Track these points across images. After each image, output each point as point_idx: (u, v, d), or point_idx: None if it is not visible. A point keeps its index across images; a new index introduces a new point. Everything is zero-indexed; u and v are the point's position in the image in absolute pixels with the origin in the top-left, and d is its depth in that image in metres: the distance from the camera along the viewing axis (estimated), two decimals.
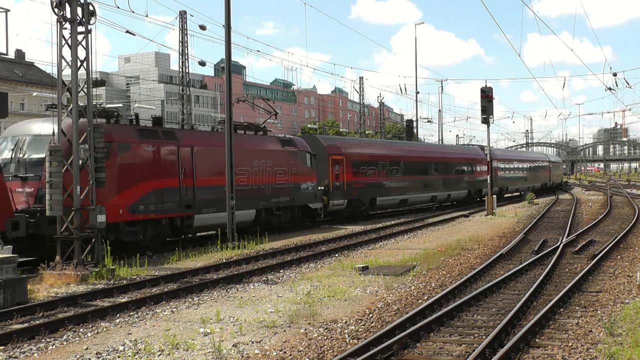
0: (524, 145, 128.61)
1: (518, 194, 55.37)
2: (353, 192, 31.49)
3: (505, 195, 52.43)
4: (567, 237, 20.97)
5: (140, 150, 19.85)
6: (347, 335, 9.55)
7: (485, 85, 33.99)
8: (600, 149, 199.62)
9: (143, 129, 20.65)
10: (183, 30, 44.86)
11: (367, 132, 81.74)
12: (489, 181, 35.96)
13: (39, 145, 17.67)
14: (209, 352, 8.81)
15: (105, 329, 10.34)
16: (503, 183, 50.77)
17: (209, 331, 9.94)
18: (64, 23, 15.63)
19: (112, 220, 17.93)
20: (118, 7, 60.73)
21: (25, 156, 17.89)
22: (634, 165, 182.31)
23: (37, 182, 17.31)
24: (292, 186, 26.76)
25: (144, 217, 19.63)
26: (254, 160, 24.78)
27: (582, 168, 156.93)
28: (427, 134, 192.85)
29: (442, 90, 76.85)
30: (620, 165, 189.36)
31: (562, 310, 10.80)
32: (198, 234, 23.54)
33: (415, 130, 66.97)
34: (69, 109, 15.90)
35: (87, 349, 9.19)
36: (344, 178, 30.75)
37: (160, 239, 20.94)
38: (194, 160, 21.67)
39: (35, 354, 9.03)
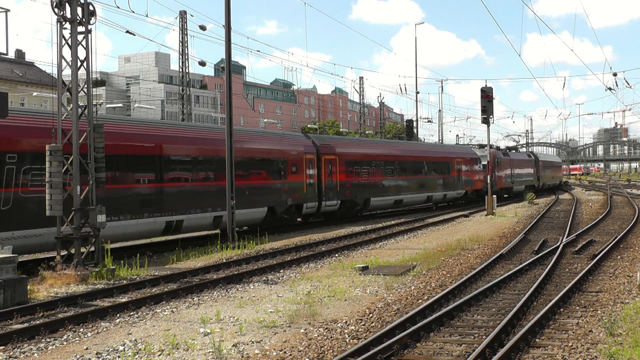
0: (524, 145, 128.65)
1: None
2: (544, 181, 64.15)
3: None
4: (567, 237, 20.97)
5: (505, 160, 49.95)
6: (347, 335, 9.55)
7: (485, 85, 33.99)
8: (600, 149, 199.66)
9: (503, 151, 51.60)
10: (183, 30, 44.85)
11: (367, 132, 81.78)
12: (488, 181, 36.00)
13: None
14: (209, 352, 8.81)
15: (105, 329, 10.34)
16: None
17: (209, 331, 9.94)
18: (64, 23, 15.63)
19: (505, 186, 49.75)
20: (118, 7, 60.74)
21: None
22: (634, 165, 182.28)
23: (484, 172, 42.24)
24: (535, 176, 59.85)
25: (506, 186, 50.36)
26: (523, 164, 56.23)
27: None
28: (427, 134, 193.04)
29: (442, 90, 76.98)
30: (620, 165, 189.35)
31: (562, 310, 10.80)
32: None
33: (415, 130, 66.95)
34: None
35: (87, 349, 9.19)
36: (539, 172, 61.21)
37: (507, 193, 51.34)
38: (513, 164, 52.05)
39: (35, 354, 9.02)
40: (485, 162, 43.75)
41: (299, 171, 27.44)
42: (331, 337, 9.46)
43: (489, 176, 36.32)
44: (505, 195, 50.38)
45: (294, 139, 29.13)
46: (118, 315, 11.30)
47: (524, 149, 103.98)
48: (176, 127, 23.61)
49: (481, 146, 50.84)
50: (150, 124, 23.10)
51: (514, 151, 57.89)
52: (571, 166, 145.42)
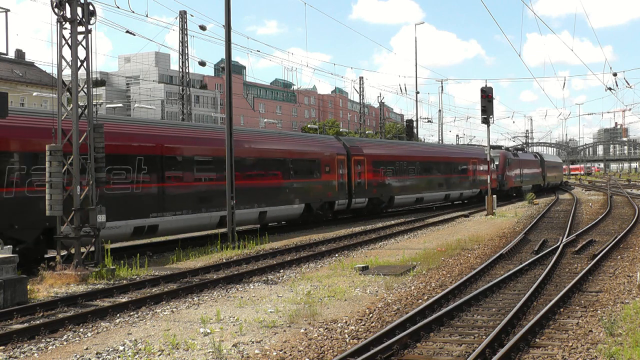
0: (524, 145, 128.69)
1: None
2: (549, 180, 67.33)
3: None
4: (567, 237, 20.96)
5: (515, 160, 52.54)
6: (347, 335, 9.55)
7: (485, 85, 33.98)
8: (600, 149, 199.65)
9: (512, 152, 54.53)
10: (183, 30, 44.85)
11: (367, 132, 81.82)
12: (488, 181, 35.99)
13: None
14: (209, 352, 8.81)
15: (105, 329, 10.33)
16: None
17: (209, 331, 9.94)
18: (64, 23, 15.63)
19: (515, 185, 52.33)
20: (118, 7, 60.71)
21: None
22: (634, 165, 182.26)
23: (496, 172, 46.24)
24: (541, 176, 63.45)
25: (516, 185, 52.68)
26: (530, 164, 59.69)
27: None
28: (427, 134, 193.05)
29: (442, 90, 76.97)
30: (620, 165, 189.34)
31: (562, 310, 10.80)
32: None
33: (415, 130, 66.97)
34: (70, 109, 15.90)
35: (87, 349, 9.19)
36: (544, 172, 64.87)
37: (517, 192, 52.83)
38: (522, 164, 55.20)
39: (35, 354, 9.02)
40: (497, 162, 48.81)
41: (331, 171, 30.07)
42: (331, 337, 9.46)
43: (489, 176, 36.35)
44: (514, 195, 52.27)
45: (327, 141, 31.85)
46: (118, 315, 11.29)
47: (523, 150, 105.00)
48: (240, 133, 26.13)
49: (493, 147, 54.58)
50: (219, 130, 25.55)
51: (521, 152, 60.85)
52: (571, 166, 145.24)
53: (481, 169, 46.55)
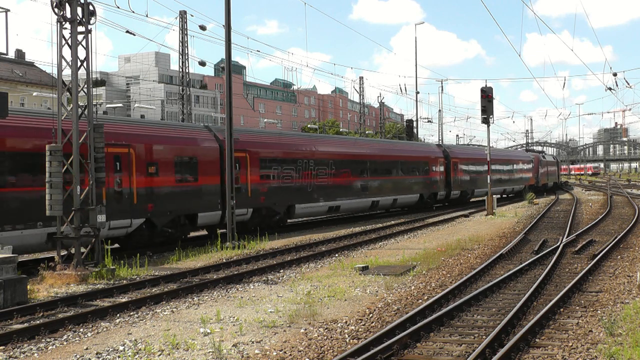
0: (525, 145, 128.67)
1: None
2: (560, 179, 76.88)
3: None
4: (567, 237, 20.96)
5: (544, 162, 64.68)
6: (347, 335, 9.55)
7: (485, 85, 33.96)
8: (600, 149, 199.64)
9: (542, 156, 66.47)
10: (183, 30, 44.82)
11: (367, 132, 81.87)
12: (489, 181, 35.99)
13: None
14: (209, 352, 8.81)
15: (105, 329, 10.34)
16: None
17: (209, 331, 9.94)
18: (64, 23, 15.62)
19: (544, 182, 64.43)
20: (118, 7, 60.62)
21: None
22: (634, 165, 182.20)
23: (532, 171, 59.87)
24: (557, 175, 73.00)
25: (544, 182, 63.86)
26: (552, 165, 69.77)
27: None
28: (427, 134, 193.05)
29: (442, 90, 76.84)
30: (620, 165, 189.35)
31: (562, 310, 10.80)
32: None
33: (415, 130, 66.97)
34: (69, 109, 15.90)
35: (87, 349, 9.19)
36: (558, 171, 74.45)
37: (544, 188, 64.02)
38: (548, 164, 67.37)
39: (35, 354, 9.03)
40: (533, 164, 59.94)
41: (436, 170, 39.89)
42: (331, 337, 9.46)
43: (489, 176, 36.37)
44: (546, 190, 63.35)
45: (432, 148, 42.37)
46: (118, 315, 11.30)
47: (522, 149, 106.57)
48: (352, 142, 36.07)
49: (528, 150, 71.88)
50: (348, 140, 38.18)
51: (546, 154, 73.59)
52: (573, 166, 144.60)
53: (525, 168, 56.79)
